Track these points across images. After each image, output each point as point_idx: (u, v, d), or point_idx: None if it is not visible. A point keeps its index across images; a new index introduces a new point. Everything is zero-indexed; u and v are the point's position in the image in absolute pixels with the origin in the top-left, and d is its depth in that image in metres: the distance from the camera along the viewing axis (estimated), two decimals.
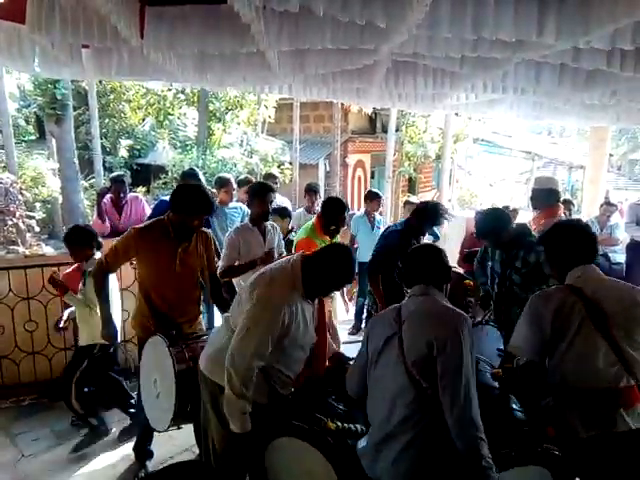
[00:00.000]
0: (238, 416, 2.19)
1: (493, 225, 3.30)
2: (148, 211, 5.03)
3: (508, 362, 2.31)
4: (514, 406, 2.24)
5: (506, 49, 2.26)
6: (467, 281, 3.77)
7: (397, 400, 1.94)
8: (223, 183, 4.88)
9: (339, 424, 2.18)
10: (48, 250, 10.51)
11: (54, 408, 3.95)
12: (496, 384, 2.31)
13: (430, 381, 1.89)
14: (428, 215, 3.90)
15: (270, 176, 5.88)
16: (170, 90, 12.72)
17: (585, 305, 2.02)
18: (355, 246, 5.82)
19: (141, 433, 3.23)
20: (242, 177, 5.80)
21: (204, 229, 3.17)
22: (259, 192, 3.76)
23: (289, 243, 4.46)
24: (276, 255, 3.85)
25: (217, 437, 2.41)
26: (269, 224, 3.91)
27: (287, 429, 2.22)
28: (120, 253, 2.95)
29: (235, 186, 5.00)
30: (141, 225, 3.03)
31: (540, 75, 2.96)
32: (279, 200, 5.64)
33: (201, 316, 3.29)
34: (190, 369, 2.60)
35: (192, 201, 2.88)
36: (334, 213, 3.91)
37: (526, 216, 6.55)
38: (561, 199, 4.42)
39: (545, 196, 4.07)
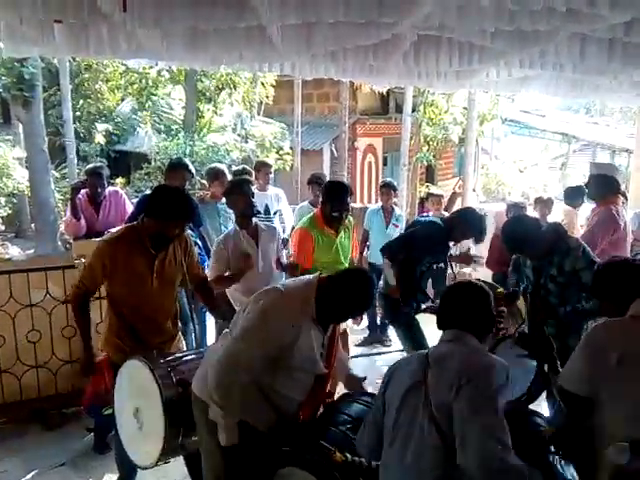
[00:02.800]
0: (224, 427, 2.30)
1: (522, 238, 3.28)
2: (130, 208, 5.01)
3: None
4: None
5: (549, 21, 2.22)
6: (499, 290, 3.78)
7: (423, 460, 1.89)
8: (216, 175, 4.85)
9: (348, 457, 2.15)
10: (15, 252, 10.56)
11: (26, 434, 3.95)
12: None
13: None
14: (472, 227, 3.94)
15: (264, 165, 5.83)
16: (153, 67, 12.67)
17: None
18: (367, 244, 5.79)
19: (123, 470, 3.21)
20: (239, 167, 5.76)
21: (189, 232, 3.15)
22: (236, 188, 3.77)
23: None
24: (274, 259, 3.82)
25: (214, 463, 2.43)
26: (262, 224, 3.88)
27: (290, 458, 2.22)
28: (97, 271, 2.93)
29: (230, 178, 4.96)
30: (110, 236, 3.03)
31: (585, 50, 2.91)
32: (271, 191, 5.62)
33: (180, 335, 3.28)
34: (179, 394, 2.59)
35: (171, 204, 2.85)
36: (334, 197, 3.91)
37: (561, 207, 6.51)
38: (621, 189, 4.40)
39: (604, 185, 4.06)
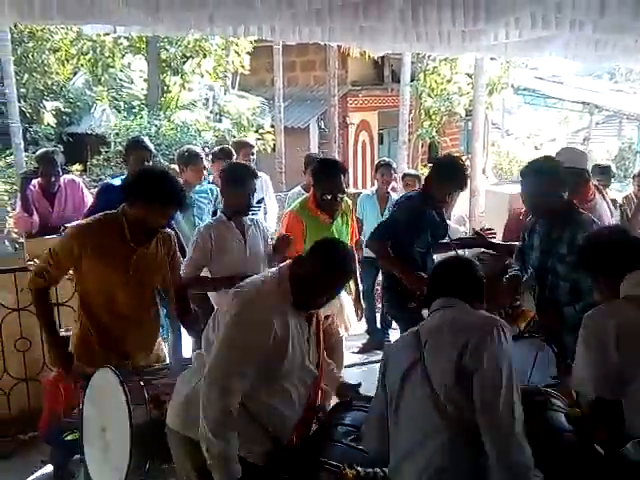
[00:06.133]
0: (220, 463, 2.23)
1: (542, 180, 3.18)
2: (89, 199, 5.01)
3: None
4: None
5: None
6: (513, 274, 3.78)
7: (428, 446, 1.99)
8: (190, 158, 4.84)
9: (360, 470, 2.20)
10: None
11: None
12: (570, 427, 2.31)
13: (465, 409, 1.96)
14: (446, 173, 3.81)
15: (243, 145, 5.79)
16: (109, 34, 12.57)
17: None
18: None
19: None
20: (218, 148, 5.71)
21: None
22: (238, 180, 3.70)
23: None
24: (262, 258, 3.82)
25: None
26: (248, 218, 3.87)
27: None
28: (62, 260, 2.92)
29: (206, 163, 4.95)
30: (85, 221, 3.02)
31: (606, 4, 2.93)
32: None
33: (161, 342, 3.29)
34: (150, 413, 2.60)
35: (161, 187, 2.83)
36: (325, 177, 3.91)
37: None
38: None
39: (575, 178, 4.09)
